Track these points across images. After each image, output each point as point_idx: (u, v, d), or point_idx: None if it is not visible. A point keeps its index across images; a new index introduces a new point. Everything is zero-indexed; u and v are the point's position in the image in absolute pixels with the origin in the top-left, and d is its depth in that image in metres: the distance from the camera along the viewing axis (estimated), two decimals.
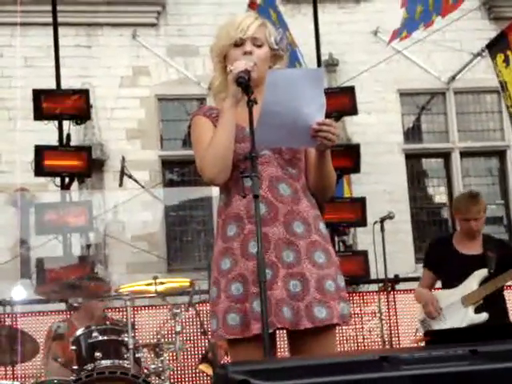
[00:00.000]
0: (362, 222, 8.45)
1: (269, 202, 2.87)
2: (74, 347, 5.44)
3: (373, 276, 8.35)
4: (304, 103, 2.75)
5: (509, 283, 5.29)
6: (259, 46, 2.96)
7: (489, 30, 11.43)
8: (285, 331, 2.92)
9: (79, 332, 5.50)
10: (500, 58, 7.42)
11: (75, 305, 6.33)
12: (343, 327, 3.12)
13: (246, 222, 2.87)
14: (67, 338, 5.64)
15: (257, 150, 2.73)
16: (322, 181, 2.97)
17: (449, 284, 5.17)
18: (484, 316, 4.97)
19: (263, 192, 2.85)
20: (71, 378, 5.27)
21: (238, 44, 2.95)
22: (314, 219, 2.94)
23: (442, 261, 5.21)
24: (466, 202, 5.21)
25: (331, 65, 11.62)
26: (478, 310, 5.02)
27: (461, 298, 5.04)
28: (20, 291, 8.28)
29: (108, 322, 5.80)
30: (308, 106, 2.76)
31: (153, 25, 11.74)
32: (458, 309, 5.04)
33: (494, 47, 7.72)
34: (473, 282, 5.04)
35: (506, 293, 5.29)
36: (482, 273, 5.03)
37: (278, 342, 3.05)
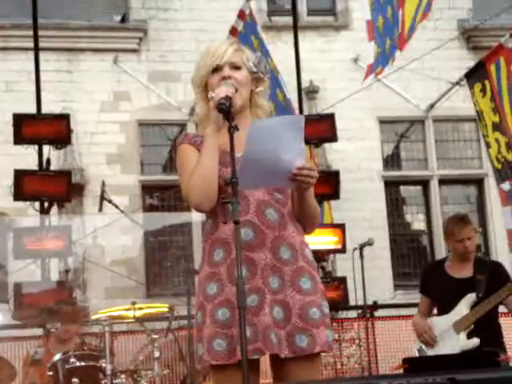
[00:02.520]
0: (342, 249, 8.47)
1: (256, 227, 2.87)
2: (51, 373, 5.41)
3: (352, 302, 8.36)
4: (284, 150, 2.80)
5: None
6: (237, 69, 2.98)
7: (467, 59, 11.57)
8: (268, 357, 2.90)
9: (56, 357, 5.46)
10: (477, 87, 7.50)
11: (53, 330, 6.28)
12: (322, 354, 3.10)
13: (232, 247, 2.84)
14: (44, 364, 5.60)
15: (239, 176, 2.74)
16: (305, 215, 2.98)
17: (443, 308, 5.21)
18: (475, 341, 4.98)
19: (250, 217, 2.87)
20: None
21: (216, 70, 2.97)
22: (301, 245, 2.95)
23: (434, 286, 5.26)
24: (457, 224, 5.27)
25: (311, 92, 11.71)
26: (470, 336, 5.03)
27: (452, 324, 5.07)
28: None
29: (86, 348, 5.76)
30: (288, 153, 2.81)
31: (134, 50, 11.79)
32: (450, 335, 5.06)
33: (472, 76, 7.80)
34: (463, 307, 5.07)
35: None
36: (471, 297, 5.06)
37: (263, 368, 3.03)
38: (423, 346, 5.18)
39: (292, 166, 2.82)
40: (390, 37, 7.93)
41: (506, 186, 7.40)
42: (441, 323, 5.14)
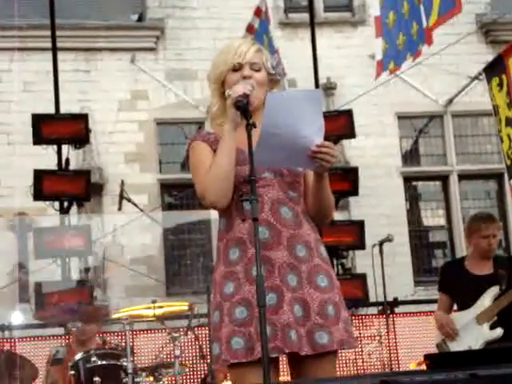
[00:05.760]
0: (361, 245, 8.45)
1: (271, 225, 2.86)
2: (72, 372, 5.43)
3: (372, 299, 8.34)
4: (303, 125, 2.75)
5: None
6: (257, 71, 2.97)
7: (486, 53, 11.50)
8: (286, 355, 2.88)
9: (78, 357, 5.48)
10: (495, 81, 7.43)
11: (73, 329, 6.30)
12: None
13: (248, 245, 2.85)
14: (66, 363, 5.63)
15: (256, 173, 2.71)
16: (320, 205, 2.96)
17: (464, 305, 5.23)
18: (499, 332, 5.01)
19: (265, 215, 2.85)
20: None
21: (237, 69, 2.96)
22: (316, 243, 2.93)
23: (455, 283, 5.28)
24: (484, 221, 5.34)
25: (329, 88, 11.68)
26: (492, 327, 5.04)
27: (475, 316, 5.07)
28: (19, 316, 8.27)
29: (107, 347, 5.79)
30: (307, 128, 2.76)
31: (151, 49, 11.81)
32: (472, 327, 5.08)
33: (490, 71, 7.73)
34: (485, 300, 5.11)
35: None
36: (494, 290, 5.10)
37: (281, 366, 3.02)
38: (445, 340, 5.18)
39: (311, 143, 2.78)
40: (404, 32, 7.85)
41: None
42: (463, 317, 5.15)
